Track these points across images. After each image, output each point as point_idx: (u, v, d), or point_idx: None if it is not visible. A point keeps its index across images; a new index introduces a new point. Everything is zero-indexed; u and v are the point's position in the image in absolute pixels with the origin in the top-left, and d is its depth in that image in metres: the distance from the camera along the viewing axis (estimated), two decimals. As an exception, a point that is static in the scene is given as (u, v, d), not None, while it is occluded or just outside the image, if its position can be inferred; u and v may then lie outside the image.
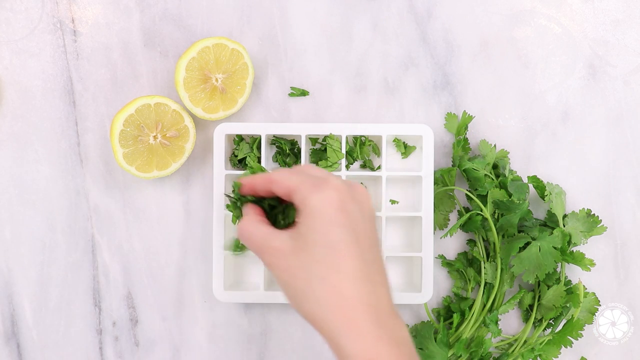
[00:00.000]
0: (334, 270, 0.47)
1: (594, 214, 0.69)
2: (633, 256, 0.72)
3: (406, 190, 0.72)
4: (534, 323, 0.70)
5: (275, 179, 0.52)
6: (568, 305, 0.68)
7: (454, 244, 0.72)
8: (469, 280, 0.70)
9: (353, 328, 0.46)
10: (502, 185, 0.69)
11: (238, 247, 0.62)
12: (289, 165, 0.71)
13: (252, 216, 0.53)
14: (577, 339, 0.68)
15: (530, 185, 0.70)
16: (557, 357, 0.69)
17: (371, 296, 0.47)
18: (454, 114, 0.71)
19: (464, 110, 0.71)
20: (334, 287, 0.47)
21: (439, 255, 0.71)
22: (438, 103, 0.72)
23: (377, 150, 0.72)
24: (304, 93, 0.72)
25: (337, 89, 0.72)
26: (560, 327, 0.69)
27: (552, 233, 0.67)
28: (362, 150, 0.71)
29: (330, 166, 0.69)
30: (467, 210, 0.71)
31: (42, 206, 0.72)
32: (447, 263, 0.71)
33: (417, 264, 0.70)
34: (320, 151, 0.71)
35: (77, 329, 0.72)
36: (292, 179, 0.51)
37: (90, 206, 0.72)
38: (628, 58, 0.72)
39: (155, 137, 0.67)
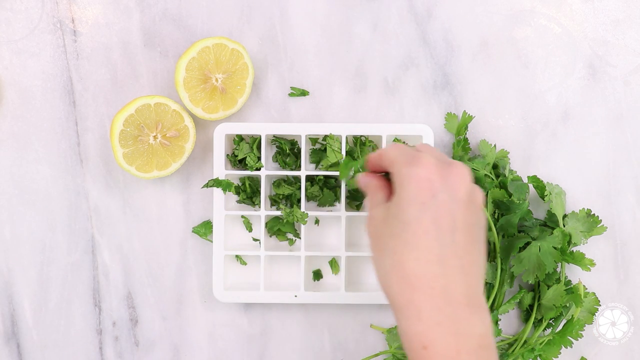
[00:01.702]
0: (404, 247, 0.46)
1: (594, 214, 0.69)
2: (633, 256, 0.72)
3: (406, 190, 0.72)
4: (534, 323, 0.70)
5: (382, 152, 0.53)
6: (568, 305, 0.68)
7: (454, 244, 0.72)
8: (469, 280, 0.70)
9: (412, 308, 0.45)
10: (502, 185, 0.69)
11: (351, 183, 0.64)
12: (289, 165, 0.71)
13: (377, 182, 0.54)
14: (577, 339, 0.68)
15: (530, 185, 0.70)
16: (557, 357, 0.69)
17: (439, 279, 0.45)
18: (454, 114, 0.71)
19: (464, 110, 0.71)
20: (400, 263, 0.46)
21: (439, 255, 0.71)
22: (438, 103, 0.72)
23: (377, 150, 0.72)
24: (304, 93, 0.72)
25: (337, 89, 0.72)
26: (560, 327, 0.69)
27: (552, 233, 0.67)
28: (362, 150, 0.71)
29: (331, 166, 0.69)
30: (467, 210, 0.71)
31: (42, 206, 0.72)
32: (447, 263, 0.71)
33: (417, 264, 0.70)
34: (320, 151, 0.71)
35: (77, 329, 0.72)
36: (393, 152, 0.52)
37: (90, 206, 0.72)
38: (628, 58, 0.72)
39: (155, 137, 0.67)
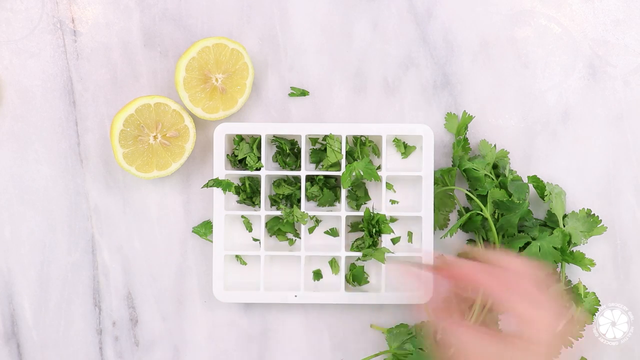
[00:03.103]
0: None
1: (594, 214, 0.69)
2: (633, 256, 0.72)
3: (406, 190, 0.72)
4: (534, 323, 0.70)
5: (482, 282, 0.58)
6: (568, 305, 0.68)
7: (454, 244, 0.72)
8: (469, 280, 0.70)
9: None
10: (502, 185, 0.69)
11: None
12: (289, 165, 0.71)
13: (470, 326, 0.62)
14: (577, 339, 0.68)
15: (530, 185, 0.70)
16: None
17: None
18: (454, 114, 0.71)
19: (464, 110, 0.71)
20: None
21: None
22: (438, 103, 0.72)
23: (377, 151, 0.72)
24: (304, 93, 0.72)
25: (337, 89, 0.72)
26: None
27: (552, 233, 0.67)
28: (362, 150, 0.71)
29: (331, 166, 0.69)
30: (467, 210, 0.71)
31: (42, 206, 0.72)
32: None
33: (417, 264, 0.70)
34: (320, 151, 0.71)
35: (77, 329, 0.72)
36: (513, 296, 0.55)
37: (90, 206, 0.72)
38: (628, 58, 0.72)
39: (155, 137, 0.67)
